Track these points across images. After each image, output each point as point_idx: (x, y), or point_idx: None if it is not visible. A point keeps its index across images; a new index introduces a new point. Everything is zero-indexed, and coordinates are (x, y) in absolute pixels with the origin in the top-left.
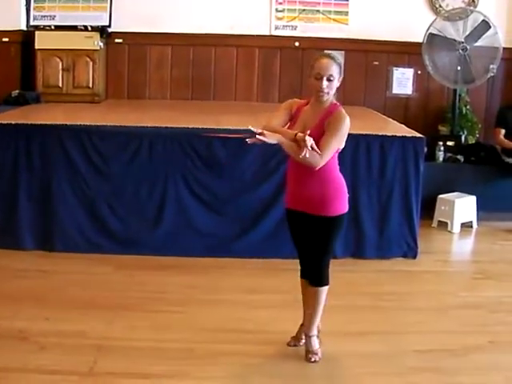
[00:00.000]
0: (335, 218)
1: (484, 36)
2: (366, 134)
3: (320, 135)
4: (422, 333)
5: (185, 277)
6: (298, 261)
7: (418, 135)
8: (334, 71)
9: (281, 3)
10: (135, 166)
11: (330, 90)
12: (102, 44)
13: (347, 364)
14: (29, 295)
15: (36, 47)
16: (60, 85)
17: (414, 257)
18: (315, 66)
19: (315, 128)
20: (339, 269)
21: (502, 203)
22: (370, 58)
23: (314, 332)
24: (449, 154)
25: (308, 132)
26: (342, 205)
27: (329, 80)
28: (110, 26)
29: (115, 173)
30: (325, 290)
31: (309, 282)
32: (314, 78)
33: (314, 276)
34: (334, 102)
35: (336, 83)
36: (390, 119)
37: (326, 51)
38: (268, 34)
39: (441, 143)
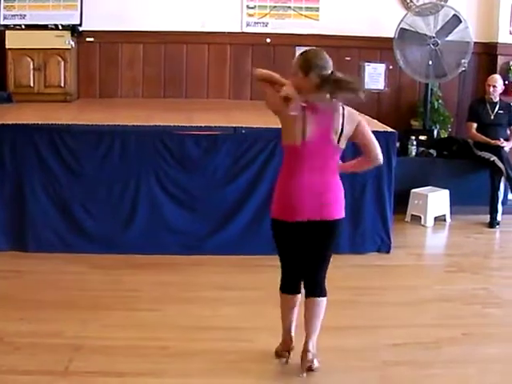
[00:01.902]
0: (342, 220)
1: (455, 31)
2: None
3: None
4: (397, 326)
5: (159, 275)
6: (270, 257)
7: (390, 130)
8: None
9: (252, 0)
10: (108, 165)
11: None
12: (73, 43)
13: (323, 359)
14: (3, 296)
15: (6, 47)
16: (31, 84)
17: (388, 251)
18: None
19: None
20: None
21: (475, 197)
22: (341, 54)
23: (313, 347)
24: (421, 149)
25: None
26: (341, 208)
27: None
28: (81, 24)
29: (88, 172)
30: (325, 300)
31: (309, 295)
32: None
33: (317, 286)
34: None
35: (301, 80)
36: (362, 114)
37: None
38: (239, 30)
39: (413, 138)
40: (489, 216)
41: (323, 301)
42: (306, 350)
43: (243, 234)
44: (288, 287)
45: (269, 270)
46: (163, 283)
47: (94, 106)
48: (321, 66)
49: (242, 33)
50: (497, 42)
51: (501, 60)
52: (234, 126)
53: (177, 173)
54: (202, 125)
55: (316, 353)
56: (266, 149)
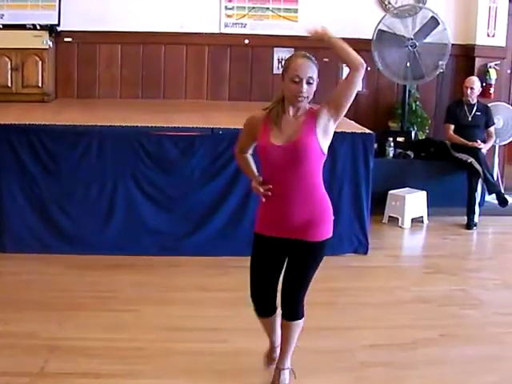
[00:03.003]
0: (322, 243)
1: (433, 32)
2: None
3: (313, 140)
4: (374, 328)
5: (136, 276)
6: (247, 258)
7: (368, 131)
8: (313, 73)
9: (230, 1)
10: (85, 166)
11: (310, 94)
12: (51, 43)
13: (300, 360)
14: None
15: None
16: (9, 84)
17: (365, 252)
18: (291, 67)
19: (306, 135)
20: None
21: (452, 198)
22: (319, 55)
23: (288, 364)
24: (399, 150)
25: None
26: (329, 228)
27: (308, 83)
28: (59, 24)
29: (65, 172)
30: (302, 322)
31: (283, 317)
32: (290, 81)
33: (291, 309)
34: (310, 106)
35: (314, 87)
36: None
37: (300, 51)
38: (218, 31)
39: (391, 139)
40: (466, 217)
41: (297, 323)
42: (280, 368)
43: (220, 235)
44: (263, 308)
45: (244, 271)
46: (140, 284)
47: (72, 107)
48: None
49: (220, 34)
50: (474, 44)
51: (478, 62)
52: (212, 126)
53: (154, 173)
54: (180, 125)
55: (290, 367)
56: None
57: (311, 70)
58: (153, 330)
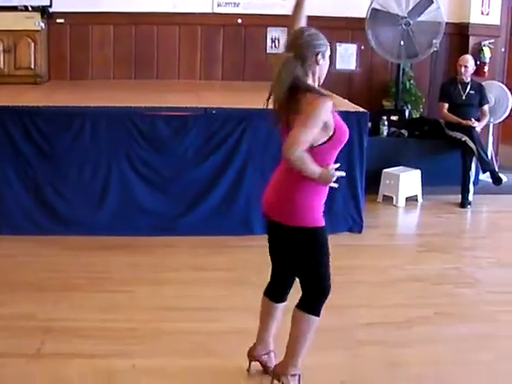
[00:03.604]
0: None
1: (427, 11)
2: None
3: None
4: (369, 306)
5: (130, 256)
6: (241, 238)
7: (362, 110)
8: None
9: None
10: (79, 147)
11: None
12: (43, 24)
13: None
14: None
15: None
16: (1, 66)
17: (360, 231)
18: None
19: None
20: None
21: (446, 177)
22: None
23: (291, 370)
24: (393, 129)
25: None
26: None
27: None
28: (51, 5)
29: (59, 154)
30: (315, 320)
31: (274, 298)
32: (327, 61)
33: (302, 296)
34: None
35: None
36: (334, 94)
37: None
38: (210, 11)
39: (385, 118)
40: (460, 196)
41: (305, 316)
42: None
43: (214, 215)
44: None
45: (239, 250)
46: (134, 264)
47: (65, 88)
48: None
49: (213, 13)
50: (468, 23)
51: (472, 40)
52: (205, 106)
53: (148, 154)
54: (173, 105)
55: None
56: (236, 129)
57: None
58: (147, 310)
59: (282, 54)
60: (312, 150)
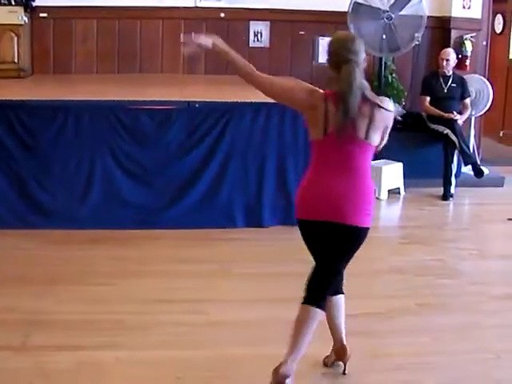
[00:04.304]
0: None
1: (408, 5)
2: None
3: None
4: (352, 297)
5: (115, 249)
6: (224, 230)
7: None
8: None
9: None
10: (62, 140)
11: None
12: (26, 18)
13: (280, 329)
14: None
15: None
16: None
17: None
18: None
19: None
20: (268, 237)
21: (429, 169)
22: (295, 28)
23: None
24: None
25: None
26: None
27: None
28: (34, 0)
29: (42, 147)
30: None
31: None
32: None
33: (340, 284)
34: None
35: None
36: (317, 88)
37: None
38: (193, 5)
39: None
40: (442, 188)
41: (343, 297)
42: (344, 346)
43: (198, 208)
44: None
45: (223, 243)
46: (119, 258)
47: (48, 82)
48: (330, 53)
49: (196, 8)
50: (450, 17)
51: (454, 34)
52: (188, 100)
53: (131, 147)
54: (156, 99)
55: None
56: (219, 122)
57: None
58: (132, 302)
59: (348, 66)
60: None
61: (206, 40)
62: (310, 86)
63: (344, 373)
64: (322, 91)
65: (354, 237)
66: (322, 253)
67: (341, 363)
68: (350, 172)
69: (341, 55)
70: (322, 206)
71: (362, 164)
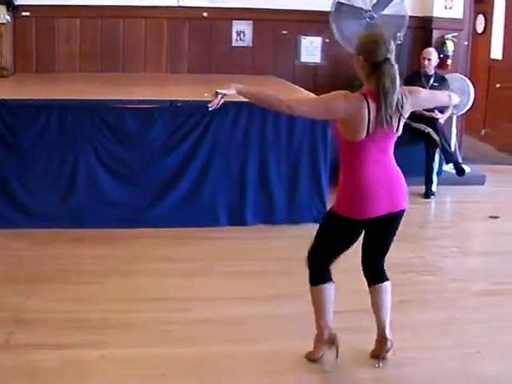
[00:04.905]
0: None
1: (391, 4)
2: None
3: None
4: (335, 294)
5: (99, 249)
6: (207, 229)
7: None
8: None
9: None
10: (45, 139)
11: (355, 69)
12: (8, 17)
13: (264, 326)
14: None
15: None
16: None
17: None
18: None
19: None
20: (251, 235)
21: (410, 168)
22: (278, 28)
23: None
24: None
25: None
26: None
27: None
28: None
29: (25, 147)
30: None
31: (376, 282)
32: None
33: (384, 271)
34: (364, 87)
35: (354, 63)
36: (299, 87)
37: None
38: (176, 5)
39: None
40: (424, 187)
41: (389, 285)
42: (385, 338)
43: (181, 207)
44: (326, 277)
45: (205, 241)
46: (103, 257)
47: (31, 81)
48: (369, 51)
49: (179, 7)
50: (432, 16)
51: (436, 34)
52: (171, 99)
53: (114, 146)
54: (139, 98)
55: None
56: (202, 121)
57: None
58: (116, 301)
59: (389, 64)
60: None
61: (228, 89)
62: (339, 92)
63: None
64: (356, 92)
65: (401, 219)
66: (375, 240)
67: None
68: (390, 164)
69: (380, 54)
70: (381, 201)
71: (392, 153)
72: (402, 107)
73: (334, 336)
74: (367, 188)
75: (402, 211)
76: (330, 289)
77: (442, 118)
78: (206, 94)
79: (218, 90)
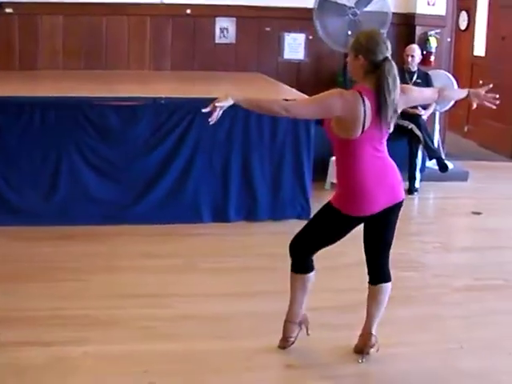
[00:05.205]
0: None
1: (374, 1)
2: None
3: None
4: (317, 291)
5: (82, 245)
6: (190, 226)
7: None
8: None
9: None
10: (28, 137)
11: (349, 67)
12: None
13: (246, 322)
14: None
15: None
16: None
17: (308, 218)
18: None
19: None
20: (234, 232)
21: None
22: (261, 25)
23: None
24: None
25: None
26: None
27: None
28: None
29: (8, 144)
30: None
31: (376, 282)
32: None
33: (386, 271)
34: (359, 85)
35: (351, 62)
36: (282, 84)
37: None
38: (159, 2)
39: None
40: (407, 183)
41: (389, 286)
42: (369, 333)
43: (164, 203)
44: (309, 266)
45: (189, 238)
46: (86, 253)
47: (14, 78)
48: (370, 50)
49: (162, 4)
50: (415, 13)
51: (419, 30)
52: (154, 96)
53: (97, 143)
54: (122, 95)
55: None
56: (185, 118)
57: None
58: (99, 298)
59: (389, 62)
60: None
61: (225, 99)
62: (334, 90)
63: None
64: (350, 91)
65: (399, 211)
66: (375, 236)
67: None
68: (385, 159)
69: (380, 53)
70: (378, 198)
71: (386, 149)
72: (397, 105)
73: (305, 316)
74: (364, 186)
75: (401, 203)
76: (310, 278)
77: (424, 115)
78: (203, 110)
79: (216, 104)
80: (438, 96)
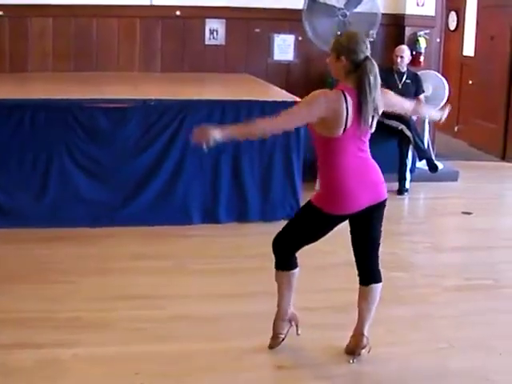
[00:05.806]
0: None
1: (363, 2)
2: (247, 100)
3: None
4: (306, 291)
5: (72, 247)
6: (181, 227)
7: (298, 100)
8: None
9: None
10: (18, 139)
11: (331, 69)
12: None
13: (238, 324)
14: None
15: None
16: None
17: None
18: None
19: None
20: (225, 233)
21: (383, 165)
22: (251, 26)
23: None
24: None
25: None
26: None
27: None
28: None
29: None
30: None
31: (367, 282)
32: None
33: (376, 272)
34: (342, 84)
35: (333, 63)
36: (272, 85)
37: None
38: (149, 3)
39: None
40: (397, 183)
41: (380, 287)
42: (361, 334)
43: (154, 205)
44: (293, 263)
45: (179, 239)
46: (77, 255)
47: (4, 81)
48: (352, 50)
49: (152, 6)
50: (404, 14)
51: (408, 31)
52: (144, 98)
53: (87, 145)
54: (112, 97)
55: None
56: (175, 120)
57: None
58: (90, 300)
59: (370, 61)
60: None
61: (212, 135)
62: (317, 92)
63: (350, 361)
64: (333, 90)
65: (383, 209)
66: (361, 234)
67: None
68: (367, 158)
69: (361, 52)
70: (360, 197)
71: (368, 148)
72: (378, 104)
73: (294, 314)
74: (345, 185)
75: (383, 202)
76: (294, 274)
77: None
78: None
79: (205, 146)
80: (411, 110)
